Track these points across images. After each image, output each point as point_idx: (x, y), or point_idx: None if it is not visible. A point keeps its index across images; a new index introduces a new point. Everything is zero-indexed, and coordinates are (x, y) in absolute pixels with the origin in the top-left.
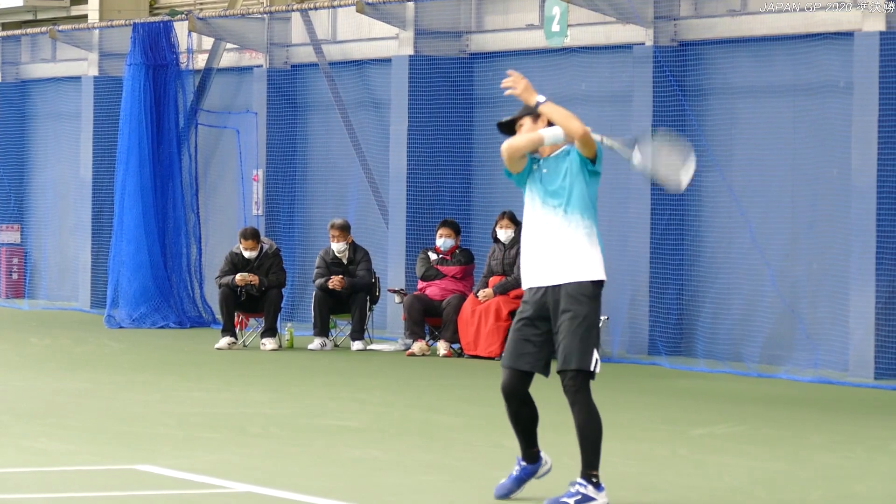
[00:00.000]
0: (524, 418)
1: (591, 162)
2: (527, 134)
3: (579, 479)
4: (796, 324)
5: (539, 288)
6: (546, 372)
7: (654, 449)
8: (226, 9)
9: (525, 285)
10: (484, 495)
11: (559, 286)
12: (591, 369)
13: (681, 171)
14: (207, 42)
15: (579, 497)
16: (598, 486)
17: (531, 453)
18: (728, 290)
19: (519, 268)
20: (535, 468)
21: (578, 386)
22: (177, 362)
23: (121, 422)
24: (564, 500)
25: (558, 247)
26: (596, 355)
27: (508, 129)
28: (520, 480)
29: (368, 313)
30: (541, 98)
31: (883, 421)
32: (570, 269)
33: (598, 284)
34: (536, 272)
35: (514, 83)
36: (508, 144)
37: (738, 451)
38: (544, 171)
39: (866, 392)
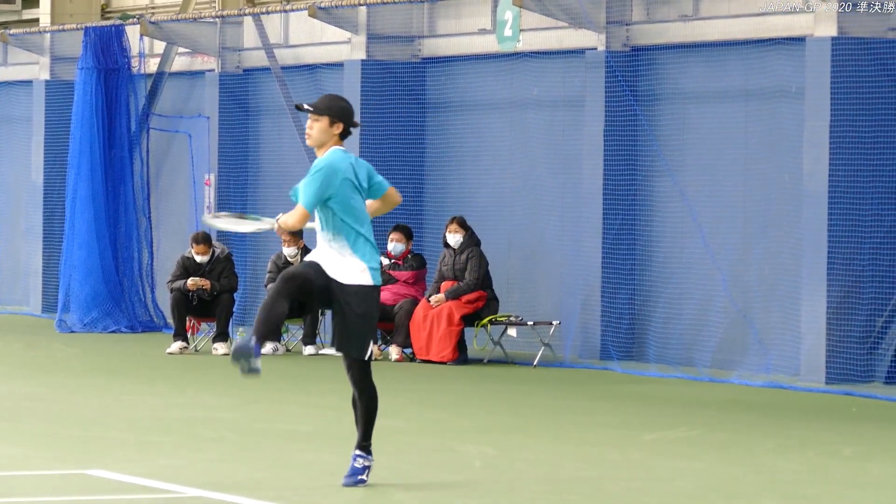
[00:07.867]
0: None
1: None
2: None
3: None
4: (748, 328)
5: None
6: None
7: (607, 453)
8: (178, 13)
9: None
10: (434, 499)
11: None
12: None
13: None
14: (159, 46)
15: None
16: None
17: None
18: (680, 295)
19: (470, 272)
20: None
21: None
22: (128, 367)
23: (72, 426)
24: (361, 477)
25: None
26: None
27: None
28: None
29: (320, 318)
30: None
31: (833, 425)
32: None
33: None
34: None
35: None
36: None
37: (690, 456)
38: None
39: (817, 397)
